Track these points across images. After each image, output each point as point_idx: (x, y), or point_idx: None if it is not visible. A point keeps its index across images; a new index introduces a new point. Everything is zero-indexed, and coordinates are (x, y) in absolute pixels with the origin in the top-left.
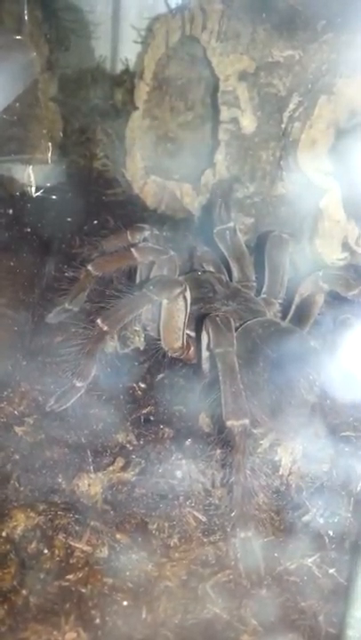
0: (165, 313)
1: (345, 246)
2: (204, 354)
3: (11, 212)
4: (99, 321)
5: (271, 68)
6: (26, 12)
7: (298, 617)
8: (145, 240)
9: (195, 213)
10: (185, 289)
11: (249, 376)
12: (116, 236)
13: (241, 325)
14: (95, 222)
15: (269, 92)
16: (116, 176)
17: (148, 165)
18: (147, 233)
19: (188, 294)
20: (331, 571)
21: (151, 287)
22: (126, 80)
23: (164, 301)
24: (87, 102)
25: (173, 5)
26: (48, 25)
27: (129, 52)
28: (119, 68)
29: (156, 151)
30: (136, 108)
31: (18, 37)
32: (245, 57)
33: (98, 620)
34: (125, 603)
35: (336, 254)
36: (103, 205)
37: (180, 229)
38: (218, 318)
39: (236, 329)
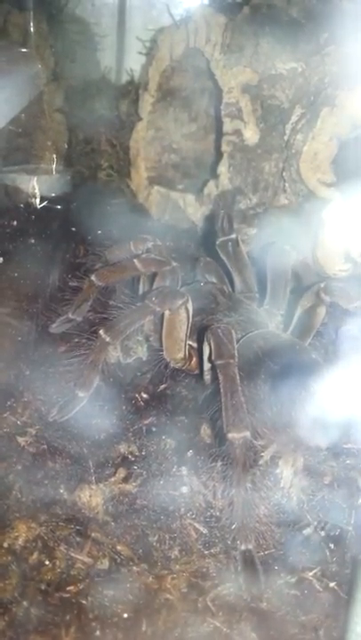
0: (168, 324)
1: (347, 257)
2: (206, 365)
3: (15, 221)
4: (101, 332)
5: (274, 80)
6: (32, 24)
7: (298, 631)
8: (148, 251)
9: (198, 224)
10: (187, 300)
11: (250, 388)
12: (120, 247)
13: (243, 337)
14: (99, 232)
15: (272, 104)
16: (120, 186)
17: (152, 176)
18: (150, 244)
19: (190, 305)
20: (331, 584)
21: (153, 298)
22: (131, 91)
23: (167, 312)
24: (92, 113)
25: (178, 17)
26: (54, 37)
27: (134, 63)
28: (124, 78)
29: (160, 162)
30: (140, 119)
31: (23, 50)
32: (248, 69)
33: (98, 632)
34: (125, 615)
35: (338, 265)
36: (107, 215)
37: (184, 240)
38: (219, 330)
39: (238, 340)
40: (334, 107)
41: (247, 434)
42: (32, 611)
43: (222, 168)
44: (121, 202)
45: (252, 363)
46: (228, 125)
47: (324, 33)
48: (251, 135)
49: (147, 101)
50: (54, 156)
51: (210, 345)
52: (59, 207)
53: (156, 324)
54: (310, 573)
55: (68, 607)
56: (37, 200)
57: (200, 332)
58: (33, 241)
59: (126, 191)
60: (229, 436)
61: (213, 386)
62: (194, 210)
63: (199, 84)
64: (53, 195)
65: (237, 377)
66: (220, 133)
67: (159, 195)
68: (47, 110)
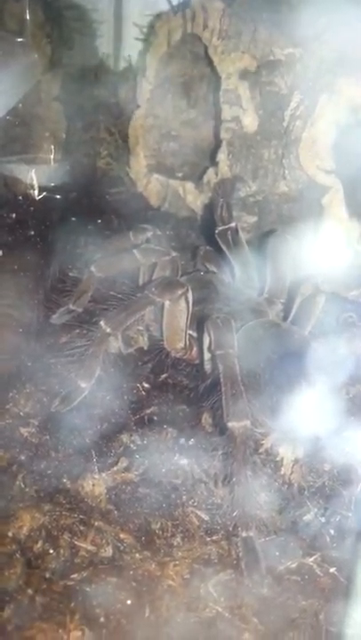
0: (168, 314)
1: (347, 244)
2: (206, 355)
3: (15, 212)
4: (102, 323)
5: (273, 66)
6: (27, 12)
7: (298, 615)
8: (147, 241)
9: (198, 212)
10: (187, 290)
11: (250, 377)
12: (119, 237)
13: (242, 326)
14: (99, 221)
15: (271, 91)
16: (119, 174)
17: (151, 164)
18: (149, 234)
19: (189, 295)
20: (332, 570)
21: (153, 289)
22: (130, 77)
23: (167, 303)
24: (91, 101)
25: (175, 2)
26: (51, 24)
27: (132, 50)
28: (122, 65)
29: (158, 150)
30: (138, 107)
31: (19, 40)
32: (247, 55)
33: (102, 619)
34: (129, 601)
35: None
36: (107, 204)
37: (183, 228)
38: (219, 320)
39: (238, 330)
40: (333, 93)
41: (247, 423)
42: (37, 598)
43: (221, 155)
44: (120, 190)
45: (252, 352)
46: (226, 112)
47: (322, 18)
48: (250, 122)
49: (145, 88)
50: (52, 145)
51: (209, 335)
52: (58, 197)
53: (157, 314)
54: (311, 559)
55: (72, 594)
56: (36, 190)
57: (200, 321)
58: (32, 231)
59: (126, 179)
60: (230, 425)
61: (214, 375)
62: (193, 198)
63: (198, 71)
64: (52, 184)
65: (237, 367)
66: (219, 120)
67: (158, 183)
68: (45, 99)
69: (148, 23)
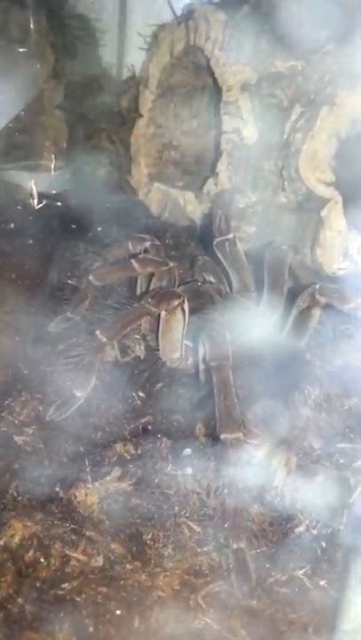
0: (164, 324)
1: (346, 255)
2: (201, 365)
3: (16, 219)
4: (98, 333)
5: (274, 78)
6: (32, 21)
7: (287, 628)
8: (145, 251)
9: (197, 222)
10: (183, 301)
11: (245, 388)
12: (118, 246)
13: (238, 337)
14: (100, 229)
15: (272, 103)
16: (121, 183)
17: (153, 172)
18: (147, 244)
19: (186, 306)
20: (322, 582)
21: (150, 299)
22: (132, 86)
23: (163, 313)
24: (93, 109)
25: (179, 12)
26: (54, 33)
27: (135, 59)
28: (125, 74)
29: (160, 158)
30: (141, 116)
31: (22, 50)
32: (248, 67)
33: (91, 629)
34: (118, 612)
35: (337, 264)
36: (108, 212)
37: (183, 237)
38: (213, 332)
39: (233, 341)
40: (334, 105)
41: (239, 435)
42: (27, 607)
43: (221, 166)
44: (121, 199)
45: (247, 364)
46: (227, 124)
47: (324, 31)
48: (250, 134)
49: (147, 98)
50: (54, 153)
51: (204, 346)
52: (59, 204)
53: (153, 324)
54: (301, 572)
55: (62, 604)
56: (38, 197)
57: (196, 332)
58: (32, 238)
59: (127, 188)
60: (222, 436)
61: (208, 386)
62: (193, 208)
63: (200, 81)
64: (54, 192)
65: (231, 379)
66: (220, 131)
67: (159, 192)
68: (47, 107)
69: (151, 33)
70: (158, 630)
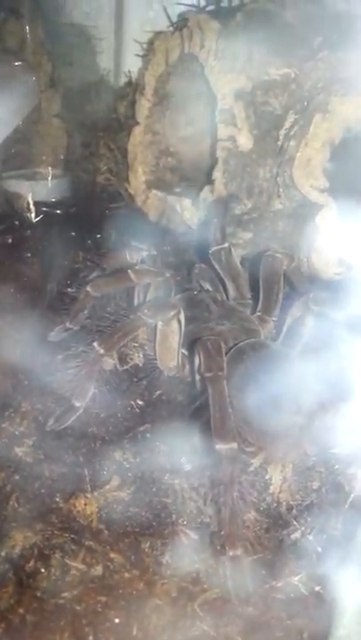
0: (160, 334)
1: (341, 261)
2: (197, 376)
3: (15, 227)
4: (95, 344)
5: (267, 86)
6: (28, 29)
7: (283, 634)
8: (142, 261)
9: (194, 228)
10: (179, 311)
11: (239, 398)
12: (116, 256)
13: (233, 346)
14: (98, 236)
15: (266, 111)
16: (119, 190)
17: (150, 179)
18: (144, 254)
19: (182, 316)
20: (317, 588)
21: (146, 310)
22: (129, 93)
23: (159, 323)
24: (91, 116)
25: (175, 19)
26: (51, 41)
27: (132, 65)
28: (123, 81)
29: (157, 165)
30: (137, 124)
31: (17, 63)
32: (242, 76)
33: (91, 637)
34: (117, 620)
35: (333, 269)
36: (106, 219)
37: (180, 244)
38: (208, 342)
39: (231, 348)
40: (327, 112)
41: (234, 445)
42: (28, 617)
43: (217, 173)
44: (119, 206)
45: (241, 373)
46: (222, 131)
47: (317, 38)
48: (245, 141)
49: (143, 106)
50: (52, 161)
51: (199, 357)
52: (58, 212)
53: (150, 334)
54: (296, 578)
55: (62, 613)
56: (36, 206)
57: (192, 341)
58: (31, 247)
59: (125, 195)
60: (217, 447)
61: (203, 396)
62: (190, 214)
63: (195, 89)
64: (52, 199)
65: (225, 389)
66: (215, 138)
67: (157, 198)
68: (45, 116)
69: (148, 40)
70: (156, 638)
